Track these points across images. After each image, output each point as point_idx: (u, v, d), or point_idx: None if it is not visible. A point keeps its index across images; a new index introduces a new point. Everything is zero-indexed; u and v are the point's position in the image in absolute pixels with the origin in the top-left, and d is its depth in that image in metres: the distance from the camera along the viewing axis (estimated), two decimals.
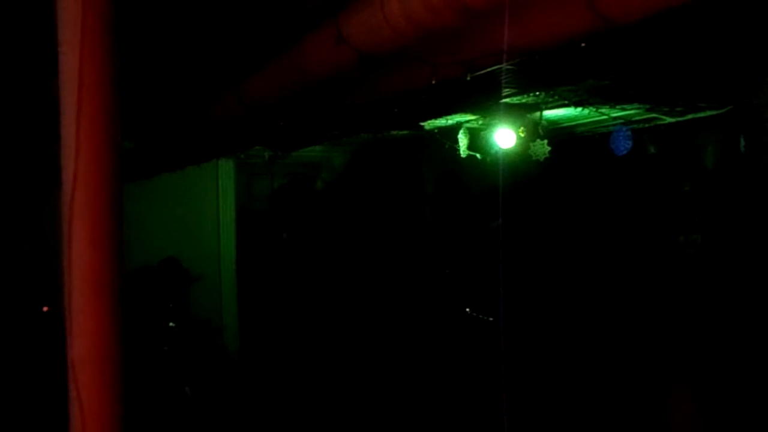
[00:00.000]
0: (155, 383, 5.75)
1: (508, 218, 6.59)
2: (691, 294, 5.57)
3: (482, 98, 4.32)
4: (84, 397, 1.43)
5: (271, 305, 7.51)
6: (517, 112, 5.14)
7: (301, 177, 7.85)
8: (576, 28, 2.08)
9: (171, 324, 6.13)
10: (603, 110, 5.03)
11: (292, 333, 7.28)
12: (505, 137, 5.30)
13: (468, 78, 2.61)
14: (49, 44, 1.51)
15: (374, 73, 2.94)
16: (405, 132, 6.21)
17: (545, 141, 5.26)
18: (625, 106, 4.97)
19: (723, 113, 4.94)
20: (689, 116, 5.17)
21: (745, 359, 4.58)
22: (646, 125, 5.54)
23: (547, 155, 5.29)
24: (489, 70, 2.59)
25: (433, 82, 2.69)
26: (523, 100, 4.73)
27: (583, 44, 2.20)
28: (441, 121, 5.55)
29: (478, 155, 5.74)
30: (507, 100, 4.51)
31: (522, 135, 5.27)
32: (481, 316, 6.55)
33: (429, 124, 5.63)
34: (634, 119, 5.40)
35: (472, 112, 5.20)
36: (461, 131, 5.60)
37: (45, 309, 5.67)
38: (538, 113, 5.16)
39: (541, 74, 3.49)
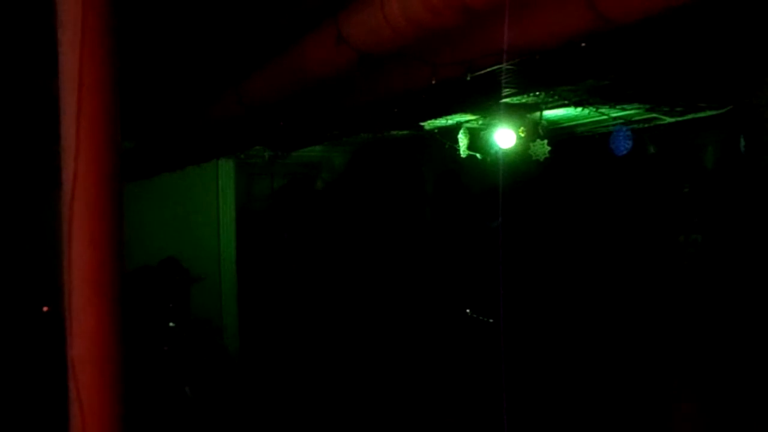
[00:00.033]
0: (155, 383, 5.75)
1: (508, 218, 6.59)
2: (692, 294, 5.57)
3: (482, 98, 4.32)
4: (84, 397, 1.43)
5: (271, 305, 7.51)
6: (517, 112, 5.14)
7: (301, 177, 7.85)
8: (576, 28, 2.08)
9: (171, 324, 6.13)
10: (603, 110, 5.03)
11: (292, 333, 7.28)
12: (505, 137, 5.30)
13: (468, 78, 2.61)
14: (49, 44, 1.51)
15: (374, 73, 2.94)
16: (405, 132, 6.21)
17: (545, 141, 5.26)
18: (625, 106, 4.97)
19: (723, 113, 4.94)
20: (689, 116, 5.17)
21: (746, 360, 4.58)
22: (646, 125, 5.54)
23: (547, 155, 5.29)
24: (489, 70, 2.59)
25: (433, 82, 2.69)
26: (523, 100, 4.73)
27: (583, 44, 2.20)
28: (441, 121, 5.55)
29: (478, 155, 5.74)
30: (507, 100, 4.51)
31: (522, 135, 5.27)
32: (481, 318, 6.55)
33: (429, 124, 5.63)
34: (634, 119, 5.40)
35: (472, 112, 5.20)
36: (461, 131, 5.60)
37: (45, 309, 5.67)
38: (538, 113, 5.16)
39: (541, 74, 3.49)
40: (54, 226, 1.52)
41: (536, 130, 5.26)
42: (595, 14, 1.94)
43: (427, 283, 7.51)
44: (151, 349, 5.93)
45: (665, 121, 5.40)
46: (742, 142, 5.10)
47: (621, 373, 5.50)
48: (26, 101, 4.06)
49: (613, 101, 4.77)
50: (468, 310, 6.71)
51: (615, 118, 5.36)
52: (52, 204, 1.64)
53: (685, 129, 5.57)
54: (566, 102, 4.76)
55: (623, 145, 5.40)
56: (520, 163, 5.48)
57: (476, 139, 5.72)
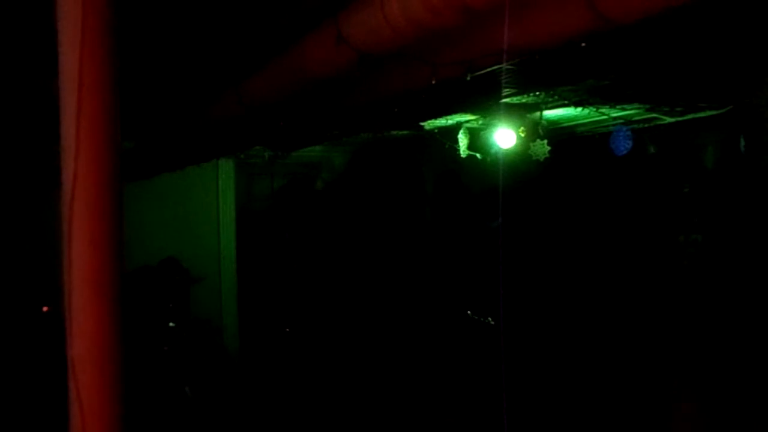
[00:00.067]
0: (155, 383, 5.75)
1: (508, 218, 6.59)
2: (692, 294, 5.57)
3: (482, 98, 4.32)
4: (84, 397, 1.43)
5: (271, 305, 7.51)
6: (517, 112, 5.14)
7: (301, 177, 7.85)
8: (576, 28, 2.08)
9: (171, 324, 6.13)
10: (603, 110, 5.03)
11: (292, 333, 7.28)
12: (505, 137, 5.30)
13: (468, 78, 2.61)
14: (49, 44, 1.51)
15: (374, 73, 2.95)
16: (405, 132, 6.21)
17: (545, 141, 5.26)
18: (625, 106, 4.97)
19: (723, 113, 4.94)
20: (689, 116, 5.17)
21: (746, 360, 4.58)
22: (646, 125, 5.54)
23: (547, 155, 5.29)
24: (489, 70, 2.59)
25: (433, 82, 2.69)
26: (523, 100, 4.73)
27: (583, 44, 2.20)
28: (441, 121, 5.55)
29: (478, 155, 5.74)
30: (507, 100, 4.51)
31: (522, 135, 5.27)
32: (482, 319, 6.54)
33: (429, 124, 5.63)
34: (634, 119, 5.40)
35: (472, 112, 5.20)
36: (461, 131, 5.60)
37: (45, 309, 5.67)
38: (538, 113, 5.16)
39: (541, 74, 3.49)
40: (54, 226, 1.52)
41: (536, 130, 5.26)
42: (595, 14, 1.94)
43: (427, 283, 7.51)
44: (151, 349, 5.93)
45: (665, 121, 5.40)
46: (742, 142, 5.10)
47: (621, 373, 5.50)
48: (26, 101, 4.06)
49: (613, 101, 4.77)
50: (469, 311, 6.70)
51: (615, 118, 5.36)
52: (52, 204, 1.64)
53: (685, 129, 5.57)
54: (566, 102, 4.76)
55: (623, 145, 5.40)
56: (520, 163, 5.48)
57: (476, 139, 5.72)
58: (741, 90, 4.48)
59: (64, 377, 1.46)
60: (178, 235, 6.95)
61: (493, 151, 5.63)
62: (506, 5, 1.91)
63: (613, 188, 6.52)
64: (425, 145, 6.79)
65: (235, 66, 3.55)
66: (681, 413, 4.91)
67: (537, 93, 4.36)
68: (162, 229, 6.84)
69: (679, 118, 5.26)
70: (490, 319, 6.43)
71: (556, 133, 5.85)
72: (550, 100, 4.73)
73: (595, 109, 4.99)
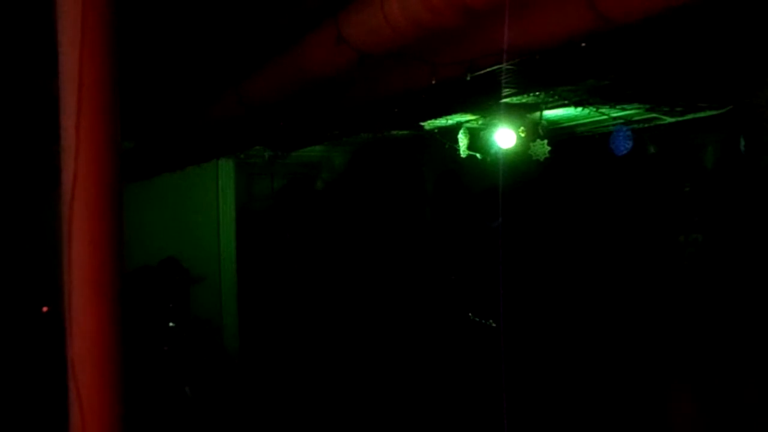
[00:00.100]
0: (155, 383, 5.75)
1: (508, 218, 6.59)
2: (691, 294, 5.57)
3: (482, 98, 4.32)
4: (84, 397, 1.43)
5: (271, 305, 7.51)
6: (517, 112, 5.14)
7: (301, 177, 7.85)
8: (576, 28, 2.08)
9: (171, 324, 6.13)
10: (603, 110, 5.03)
11: (292, 333, 7.28)
12: (505, 137, 5.30)
13: (468, 78, 2.61)
14: (49, 44, 1.51)
15: (374, 73, 2.95)
16: (405, 132, 6.21)
17: (545, 141, 5.26)
18: (625, 106, 4.97)
19: (723, 113, 4.94)
20: (689, 116, 5.17)
21: (746, 360, 4.58)
22: (646, 125, 5.54)
23: (547, 155, 5.29)
24: (489, 70, 2.59)
25: (433, 82, 2.69)
26: (523, 100, 4.73)
27: (583, 44, 2.20)
28: (441, 121, 5.55)
29: (478, 155, 5.74)
30: (507, 100, 4.51)
31: (522, 135, 5.27)
32: (483, 321, 6.54)
33: (429, 124, 5.63)
34: (634, 119, 5.40)
35: (472, 112, 5.20)
36: (461, 131, 5.60)
37: (45, 309, 5.67)
38: (538, 113, 5.16)
39: (541, 74, 3.49)
40: (54, 226, 1.52)
41: (536, 130, 5.26)
42: (595, 14, 1.94)
43: (427, 283, 7.51)
44: (151, 349, 5.93)
45: (665, 121, 5.40)
46: (742, 142, 5.11)
47: (621, 373, 5.50)
48: (26, 101, 4.06)
49: (613, 101, 4.77)
50: (470, 314, 6.70)
51: (615, 118, 5.36)
52: (52, 204, 1.64)
53: (685, 129, 5.57)
54: (566, 102, 4.76)
55: (623, 145, 5.40)
56: (520, 163, 5.48)
57: (476, 139, 5.72)
58: (741, 90, 4.48)
59: (64, 377, 1.46)
60: (178, 235, 6.95)
61: (493, 151, 5.63)
62: (506, 5, 1.91)
63: (614, 188, 6.52)
64: (425, 145, 6.79)
65: (235, 66, 3.55)
66: (681, 413, 4.91)
67: (537, 93, 4.36)
68: (162, 229, 6.84)
69: (679, 118, 5.26)
70: (491, 321, 6.43)
71: (556, 133, 5.85)
72: (550, 100, 4.73)
73: (595, 109, 4.99)
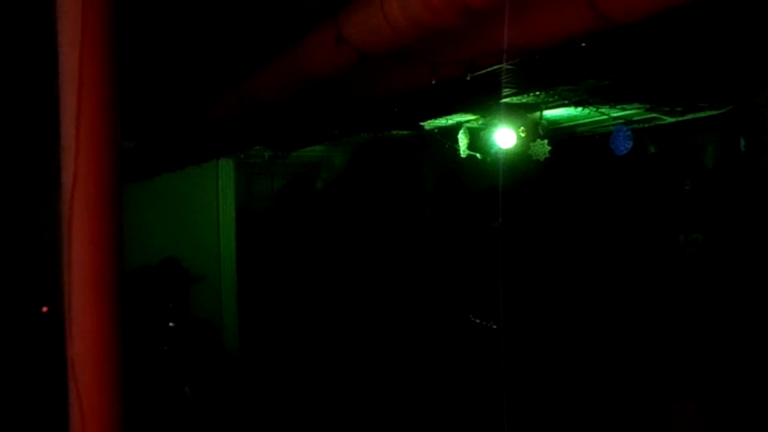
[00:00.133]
0: (155, 383, 5.75)
1: (508, 218, 6.59)
2: (692, 294, 5.57)
3: (482, 98, 4.32)
4: (84, 397, 1.43)
5: (271, 305, 7.51)
6: (517, 112, 5.14)
7: (301, 177, 7.85)
8: (576, 28, 2.07)
9: (171, 324, 6.13)
10: (603, 110, 5.03)
11: (292, 333, 7.28)
12: (505, 137, 5.30)
13: (468, 78, 2.61)
14: (49, 44, 1.51)
15: (374, 73, 2.94)
16: (405, 132, 6.21)
17: (545, 141, 5.26)
18: (625, 106, 4.97)
19: (723, 113, 4.94)
20: (689, 116, 5.17)
21: (746, 360, 4.58)
22: (646, 125, 5.54)
23: (547, 155, 5.29)
24: (489, 70, 2.59)
25: (433, 82, 2.69)
26: (523, 100, 4.73)
27: (583, 44, 2.20)
28: (441, 121, 5.55)
29: (478, 155, 5.74)
30: (507, 100, 4.51)
31: (522, 135, 5.27)
32: (484, 323, 6.54)
33: (429, 124, 5.63)
34: (634, 119, 5.40)
35: (472, 112, 5.20)
36: (461, 131, 5.59)
37: (45, 309, 5.67)
38: (538, 113, 5.16)
39: (541, 74, 3.49)
40: (54, 226, 1.52)
41: (536, 130, 5.26)
42: (595, 14, 1.94)
43: (428, 284, 7.51)
44: (151, 349, 5.93)
45: (665, 121, 5.40)
46: (742, 142, 5.11)
47: (621, 373, 5.49)
48: (26, 101, 4.06)
49: (613, 101, 4.77)
50: (471, 315, 6.69)
51: (615, 118, 5.36)
52: (52, 204, 1.64)
53: (686, 129, 5.57)
54: (566, 102, 4.76)
55: (623, 145, 5.40)
56: (520, 163, 5.48)
57: (476, 139, 5.71)
58: (741, 90, 4.48)
59: (64, 377, 1.46)
60: (178, 235, 6.95)
61: (493, 151, 5.62)
62: (506, 5, 1.91)
63: (614, 188, 6.52)
64: (425, 145, 6.79)
65: (235, 66, 3.55)
66: (681, 413, 4.91)
67: (537, 93, 4.36)
68: (162, 229, 6.84)
69: (680, 118, 5.26)
70: (492, 323, 6.42)
71: (556, 133, 5.85)
72: (550, 100, 4.73)
73: (595, 109, 4.99)
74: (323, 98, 3.50)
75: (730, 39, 3.07)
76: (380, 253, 7.59)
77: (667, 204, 6.13)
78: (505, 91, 3.94)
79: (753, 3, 2.57)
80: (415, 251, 7.72)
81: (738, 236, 5.30)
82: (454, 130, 5.67)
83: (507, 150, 5.35)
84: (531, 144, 5.29)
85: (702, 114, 5.06)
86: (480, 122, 5.62)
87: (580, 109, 4.98)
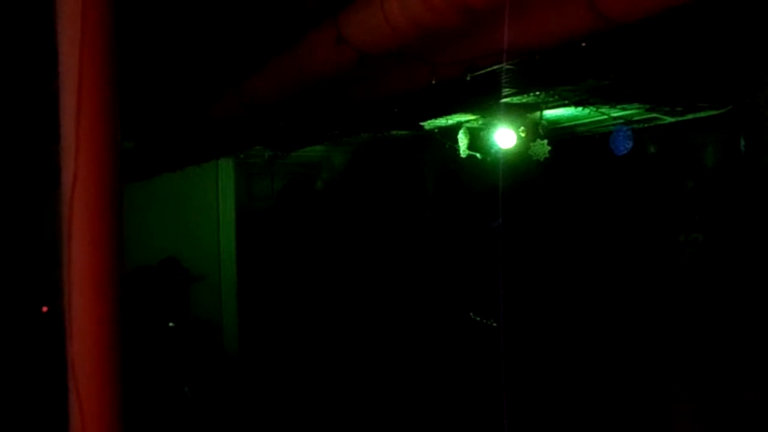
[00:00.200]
0: (155, 383, 5.75)
1: (508, 218, 6.59)
2: (692, 293, 5.57)
3: (482, 98, 4.32)
4: (84, 397, 1.43)
5: (271, 305, 7.51)
6: (517, 112, 5.14)
7: (301, 177, 7.85)
8: (576, 28, 2.07)
9: (171, 324, 6.13)
10: (603, 110, 5.03)
11: (292, 333, 7.28)
12: (505, 137, 5.30)
13: (468, 78, 2.61)
14: (49, 44, 1.51)
15: (374, 73, 2.94)
16: (405, 132, 6.21)
17: (545, 141, 5.26)
18: (625, 106, 4.97)
19: (723, 113, 4.94)
20: (689, 116, 5.17)
21: (746, 359, 4.58)
22: (647, 125, 5.54)
23: (548, 155, 5.29)
24: (489, 70, 2.59)
25: (433, 82, 2.69)
26: (523, 100, 4.73)
27: (583, 44, 2.20)
28: (441, 121, 5.55)
29: (478, 155, 5.74)
30: (507, 100, 4.51)
31: (522, 135, 5.27)
32: (484, 321, 6.54)
33: (429, 124, 5.63)
34: (634, 119, 5.40)
35: (472, 112, 5.20)
36: (461, 131, 5.59)
37: (45, 309, 5.67)
38: (538, 113, 5.16)
39: (541, 74, 3.49)
40: (54, 226, 1.52)
41: (536, 130, 5.26)
42: (595, 14, 1.94)
43: (428, 283, 7.51)
44: (151, 349, 5.93)
45: (665, 121, 5.40)
46: (742, 142, 5.10)
47: (622, 373, 5.50)
48: (26, 101, 4.06)
49: (613, 101, 4.77)
50: (471, 313, 6.70)
51: (615, 118, 5.36)
52: (52, 204, 1.64)
53: (686, 129, 5.57)
54: (566, 102, 4.76)
55: (623, 144, 5.40)
56: (520, 163, 5.48)
57: (476, 139, 5.71)
58: (741, 90, 4.48)
59: (64, 377, 1.46)
60: (178, 235, 6.95)
61: (493, 151, 5.62)
62: (506, 5, 1.91)
63: (614, 188, 6.51)
64: (425, 145, 6.79)
65: (235, 66, 3.55)
66: (681, 413, 4.91)
67: (537, 93, 4.36)
68: (162, 229, 6.84)
69: (680, 118, 5.26)
70: (492, 321, 6.43)
71: (556, 133, 5.85)
72: (550, 100, 4.73)
73: (595, 109, 4.99)
74: (323, 98, 3.50)
75: (730, 39, 3.07)
76: (380, 252, 7.59)
77: (668, 204, 6.13)
78: (505, 91, 3.94)
79: (753, 3, 2.57)
80: (416, 251, 7.72)
81: (738, 236, 5.30)
82: (454, 130, 5.67)
83: (507, 150, 5.35)
84: (531, 144, 5.29)
85: (702, 114, 5.07)
86: (480, 122, 5.62)
87: (580, 109, 4.98)
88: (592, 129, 5.99)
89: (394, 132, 6.17)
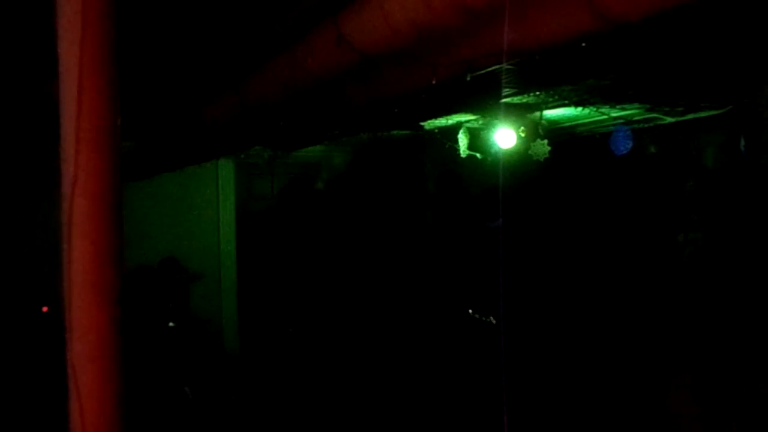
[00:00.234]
0: (155, 383, 5.75)
1: (508, 218, 6.59)
2: (691, 291, 5.57)
3: (482, 98, 4.32)
4: (84, 397, 1.43)
5: (271, 305, 7.51)
6: (517, 112, 5.14)
7: (301, 177, 7.85)
8: (576, 28, 2.07)
9: (171, 324, 6.13)
10: (603, 110, 5.03)
11: (293, 333, 7.28)
12: (505, 137, 5.30)
13: (468, 78, 2.61)
14: (49, 44, 1.51)
15: (374, 73, 2.94)
16: (405, 132, 6.22)
17: (545, 141, 5.26)
18: (625, 106, 4.97)
19: (723, 113, 4.94)
20: (690, 116, 5.18)
21: (745, 357, 4.58)
22: (647, 125, 5.54)
23: (548, 155, 5.29)
24: (489, 70, 2.59)
25: (433, 82, 2.69)
26: (523, 100, 4.73)
27: (583, 44, 2.20)
28: (441, 121, 5.55)
29: (478, 155, 5.74)
30: (507, 100, 4.51)
31: (522, 135, 5.27)
32: (483, 318, 6.55)
33: (429, 124, 5.63)
34: (634, 119, 5.41)
35: (472, 112, 5.20)
36: (461, 131, 5.60)
37: (45, 309, 5.67)
38: (538, 113, 5.16)
39: (541, 74, 3.49)
40: (54, 226, 1.52)
41: (536, 130, 5.27)
42: (596, 14, 1.94)
43: (428, 282, 7.51)
44: (151, 349, 5.93)
45: (666, 121, 5.40)
46: (742, 142, 5.11)
47: (621, 371, 5.50)
48: (26, 102, 4.06)
49: (613, 101, 4.78)
50: (470, 310, 6.70)
51: (615, 118, 5.36)
52: (52, 204, 1.64)
53: (686, 129, 5.58)
54: (566, 102, 4.77)
55: (623, 144, 5.40)
56: (520, 163, 5.48)
57: (476, 139, 5.72)
58: (741, 90, 4.49)
59: (64, 377, 1.46)
60: (178, 235, 6.95)
61: (493, 151, 5.63)
62: (506, 5, 1.91)
63: (614, 188, 6.52)
64: (425, 145, 6.79)
65: (235, 66, 3.55)
66: (680, 411, 4.92)
67: (537, 93, 4.36)
68: (162, 228, 6.84)
69: (680, 118, 5.26)
70: (491, 318, 6.43)
71: (556, 133, 5.85)
72: (550, 100, 4.73)
73: (595, 109, 5.00)
74: (323, 98, 3.50)
75: (730, 39, 3.07)
76: (380, 251, 7.59)
77: (667, 203, 6.14)
78: (505, 91, 3.95)
79: (753, 3, 2.57)
80: (416, 250, 7.72)
81: (737, 235, 5.30)
82: (454, 130, 5.67)
83: (507, 150, 5.35)
84: (531, 144, 5.29)
85: (702, 114, 5.07)
86: (480, 122, 5.62)
87: (580, 109, 4.98)
88: (592, 129, 5.99)
89: (394, 132, 6.17)
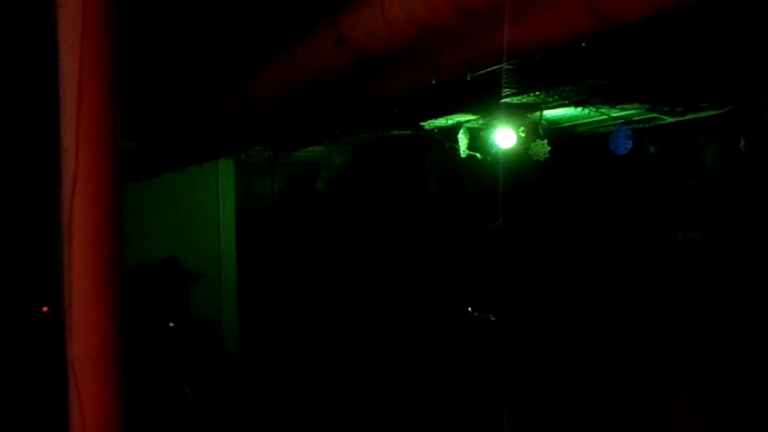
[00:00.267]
0: (155, 383, 5.75)
1: (508, 218, 6.59)
2: (690, 291, 5.58)
3: (482, 98, 4.32)
4: (84, 397, 1.43)
5: (271, 305, 7.51)
6: (517, 112, 5.14)
7: (301, 177, 7.85)
8: (576, 28, 2.08)
9: (171, 324, 6.13)
10: (603, 110, 5.03)
11: (293, 333, 7.28)
12: (505, 137, 5.30)
13: (468, 78, 2.61)
14: (49, 44, 1.51)
15: (374, 73, 2.94)
16: (405, 132, 6.22)
17: (545, 141, 5.26)
18: (625, 106, 4.97)
19: (723, 113, 4.94)
20: (689, 116, 5.18)
21: (745, 357, 4.58)
22: (647, 125, 5.54)
23: (548, 155, 5.29)
24: (489, 70, 2.59)
25: (434, 82, 2.69)
26: (523, 100, 4.73)
27: (583, 44, 2.20)
28: (441, 121, 5.55)
29: (478, 155, 5.74)
30: (507, 100, 4.51)
31: (522, 135, 5.27)
32: (483, 316, 6.55)
33: (429, 124, 5.63)
34: (634, 119, 5.41)
35: (473, 112, 5.20)
36: (461, 131, 5.60)
37: (45, 309, 5.67)
38: (538, 113, 5.16)
39: (541, 74, 3.49)
40: (54, 226, 1.52)
41: (536, 130, 5.27)
42: (595, 14, 1.95)
43: (428, 281, 7.51)
44: (151, 349, 5.93)
45: (666, 121, 5.40)
46: (742, 142, 5.11)
47: (620, 370, 5.50)
48: (26, 102, 4.06)
49: (613, 101, 4.78)
50: (470, 308, 6.71)
51: (615, 118, 5.36)
52: (52, 204, 1.64)
53: (686, 129, 5.57)
54: (566, 102, 4.77)
55: (623, 144, 5.40)
56: (520, 163, 5.48)
57: (476, 139, 5.72)
58: (741, 90, 4.49)
59: (64, 377, 1.46)
60: (178, 235, 6.95)
61: (493, 151, 5.63)
62: (506, 5, 1.91)
63: (614, 188, 6.52)
64: (425, 145, 6.80)
65: (235, 66, 3.55)
66: (679, 410, 4.92)
67: (537, 93, 4.36)
68: (162, 228, 6.84)
69: (680, 118, 5.26)
70: (491, 315, 6.44)
71: (556, 133, 5.85)
72: (550, 100, 4.73)
73: (595, 109, 4.99)
74: (323, 98, 3.50)
75: (730, 39, 3.07)
76: (381, 251, 7.59)
77: (666, 203, 6.14)
78: (505, 91, 3.95)
79: (753, 3, 2.57)
80: (416, 249, 7.73)
81: (737, 235, 5.30)
82: (454, 130, 5.67)
83: (507, 150, 5.35)
84: (531, 144, 5.29)
85: (702, 114, 5.07)
86: (480, 122, 5.62)
87: (580, 109, 4.98)
88: (592, 129, 5.99)
89: (394, 132, 6.17)
